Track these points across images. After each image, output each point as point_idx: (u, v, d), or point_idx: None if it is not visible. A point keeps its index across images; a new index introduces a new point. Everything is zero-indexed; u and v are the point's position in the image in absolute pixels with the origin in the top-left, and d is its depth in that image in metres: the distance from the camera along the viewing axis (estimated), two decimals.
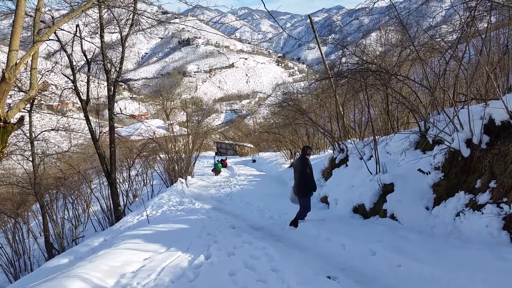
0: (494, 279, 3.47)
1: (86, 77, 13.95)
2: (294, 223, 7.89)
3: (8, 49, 5.18)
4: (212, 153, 38.56)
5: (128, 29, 14.15)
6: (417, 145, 7.59)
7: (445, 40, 8.33)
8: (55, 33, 11.95)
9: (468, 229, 5.01)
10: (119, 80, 14.61)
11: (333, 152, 12.48)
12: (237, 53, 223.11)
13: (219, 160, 25.39)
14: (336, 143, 11.99)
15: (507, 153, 4.97)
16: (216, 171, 22.81)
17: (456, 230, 5.23)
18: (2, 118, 5.14)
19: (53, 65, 14.39)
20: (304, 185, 7.86)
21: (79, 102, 14.24)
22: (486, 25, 7.15)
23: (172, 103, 50.17)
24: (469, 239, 4.83)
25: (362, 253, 5.30)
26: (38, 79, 11.37)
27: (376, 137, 8.72)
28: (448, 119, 6.13)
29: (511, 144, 4.97)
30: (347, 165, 10.40)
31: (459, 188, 5.74)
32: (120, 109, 16.47)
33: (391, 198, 7.12)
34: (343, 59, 11.25)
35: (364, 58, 10.00)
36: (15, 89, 12.45)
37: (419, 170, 6.81)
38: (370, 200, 7.87)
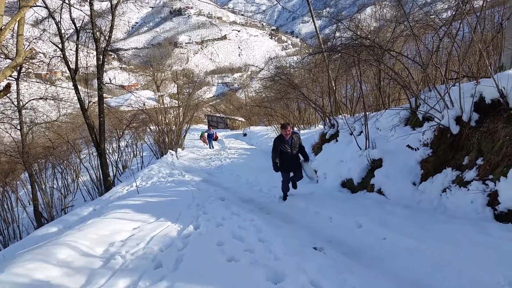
0: (477, 254, 3.56)
1: (75, 46, 13.62)
2: (283, 197, 8.00)
3: None
4: (205, 127, 38.09)
5: None
6: (407, 121, 7.63)
7: (440, 17, 8.26)
8: None
9: (453, 205, 5.10)
10: (109, 49, 14.30)
11: (324, 127, 12.51)
12: (229, 25, 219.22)
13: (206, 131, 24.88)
14: (327, 118, 11.99)
15: (495, 131, 5.02)
16: (203, 137, 22.77)
17: (441, 206, 5.33)
18: None
19: (41, 32, 13.99)
20: None
21: (67, 71, 13.97)
22: (481, 2, 7.09)
23: (163, 74, 49.54)
24: (454, 214, 4.93)
25: (348, 226, 5.39)
26: (25, 46, 11.10)
27: (367, 113, 8.74)
28: (439, 96, 6.15)
29: (499, 122, 5.01)
30: (337, 141, 10.45)
31: (447, 165, 5.82)
32: (110, 79, 16.12)
33: (379, 173, 7.19)
34: (337, 33, 11.12)
35: (358, 33, 9.89)
36: (1, 56, 12.14)
37: (408, 146, 6.87)
38: (358, 175, 7.94)
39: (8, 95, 11.51)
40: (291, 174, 7.96)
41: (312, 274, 3.53)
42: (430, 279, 3.49)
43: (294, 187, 8.16)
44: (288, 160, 7.72)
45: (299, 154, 7.97)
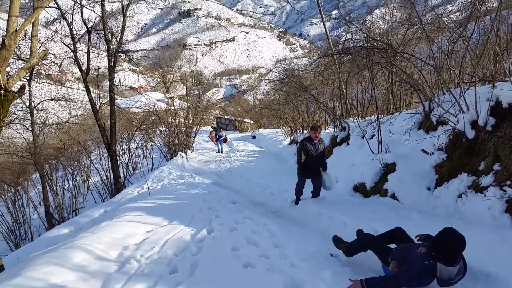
0: (500, 262, 3.49)
1: (86, 47, 13.71)
2: (296, 200, 7.93)
3: (7, 15, 5.07)
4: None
5: None
6: (420, 125, 7.55)
7: (452, 19, 8.17)
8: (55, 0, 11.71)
9: (470, 211, 5.02)
10: (120, 50, 14.38)
11: (334, 130, 12.45)
12: (238, 27, 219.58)
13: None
14: (337, 121, 11.93)
15: None
16: (211, 135, 22.50)
17: (457, 212, 5.25)
18: (2, 86, 5.07)
19: (53, 33, 14.10)
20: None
21: (78, 72, 14.09)
22: (495, 4, 6.99)
23: (172, 76, 49.73)
24: (470, 221, 4.85)
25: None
26: (38, 47, 11.17)
27: (379, 116, 8.67)
28: (454, 100, 6.07)
29: None
30: (348, 144, 10.39)
31: (462, 170, 5.73)
32: (120, 80, 16.26)
33: (392, 177, 7.13)
34: (348, 35, 11.07)
35: (370, 35, 9.83)
36: (14, 57, 12.27)
37: (423, 150, 6.79)
38: (371, 179, 7.89)
39: (21, 96, 11.62)
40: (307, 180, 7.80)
41: (330, 282, 3.48)
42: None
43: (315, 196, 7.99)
44: (311, 164, 7.44)
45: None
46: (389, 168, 7.41)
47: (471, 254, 3.74)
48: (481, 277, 3.47)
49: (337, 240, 4.55)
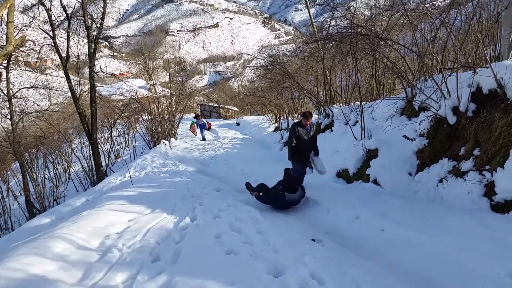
0: (478, 245, 3.56)
1: (66, 34, 13.34)
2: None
3: None
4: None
5: None
6: (402, 111, 7.62)
7: (435, 5, 8.20)
8: None
9: (450, 195, 5.11)
10: (100, 37, 14.04)
11: (319, 117, 12.47)
12: (222, 12, 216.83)
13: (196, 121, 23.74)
14: (322, 108, 11.95)
15: (492, 122, 5.02)
16: (193, 127, 22.17)
17: (438, 196, 5.34)
18: None
19: (31, 20, 13.66)
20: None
21: (58, 59, 13.73)
22: None
23: (155, 62, 48.99)
24: (451, 205, 4.94)
25: (346, 217, 5.37)
26: (15, 34, 10.82)
27: (363, 103, 8.70)
28: (436, 86, 6.13)
29: (497, 112, 5.01)
30: (332, 130, 10.44)
31: (443, 155, 5.82)
32: (101, 67, 15.87)
33: (374, 163, 7.20)
34: (333, 22, 11.02)
35: (354, 21, 9.80)
36: None
37: (404, 136, 6.86)
38: (354, 165, 7.95)
39: None
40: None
41: (312, 267, 3.50)
42: (431, 272, 3.47)
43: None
44: (303, 148, 7.45)
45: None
46: (372, 154, 7.47)
47: (451, 240, 3.82)
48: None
49: (248, 186, 7.23)
